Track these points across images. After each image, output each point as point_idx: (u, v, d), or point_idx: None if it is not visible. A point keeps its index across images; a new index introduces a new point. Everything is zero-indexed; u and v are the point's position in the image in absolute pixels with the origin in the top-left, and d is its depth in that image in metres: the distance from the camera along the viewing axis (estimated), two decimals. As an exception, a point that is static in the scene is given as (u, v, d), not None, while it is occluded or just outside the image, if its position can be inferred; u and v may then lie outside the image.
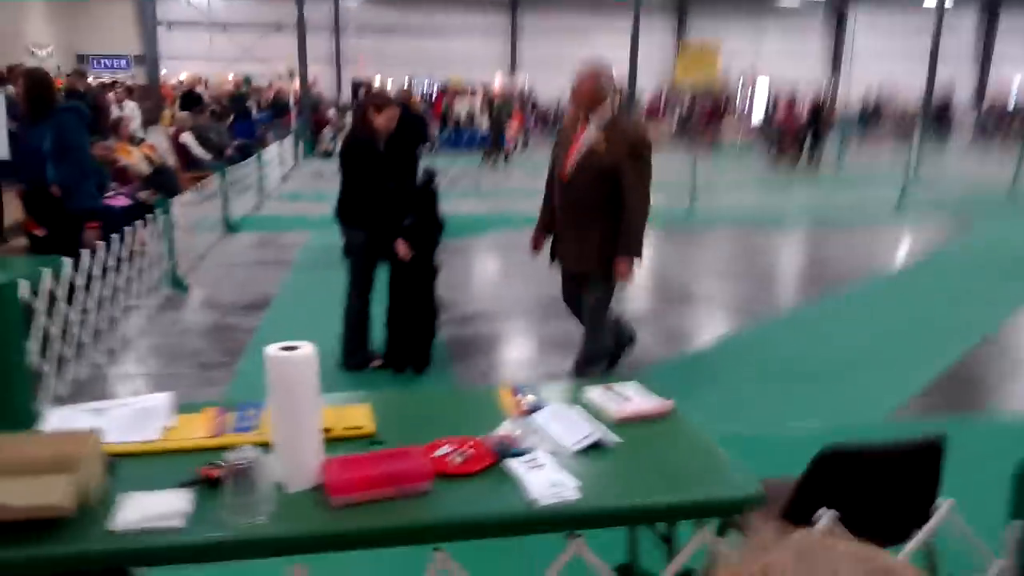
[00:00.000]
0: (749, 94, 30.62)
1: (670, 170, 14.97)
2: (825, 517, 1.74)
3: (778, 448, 3.75)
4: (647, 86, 28.34)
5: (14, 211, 7.02)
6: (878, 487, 2.02)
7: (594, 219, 3.91)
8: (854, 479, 1.99)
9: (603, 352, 4.23)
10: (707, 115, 22.49)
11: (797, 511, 1.93)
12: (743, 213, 11.13)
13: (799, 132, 16.99)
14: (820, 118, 17.27)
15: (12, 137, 5.36)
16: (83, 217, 5.62)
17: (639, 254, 3.91)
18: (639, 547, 2.40)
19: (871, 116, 23.39)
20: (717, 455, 1.93)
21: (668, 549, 1.94)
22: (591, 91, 3.83)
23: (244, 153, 12.09)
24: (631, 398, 2.25)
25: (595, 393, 2.29)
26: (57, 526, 1.58)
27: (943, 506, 1.89)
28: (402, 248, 4.53)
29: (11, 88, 8.96)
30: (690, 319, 6.16)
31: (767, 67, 30.73)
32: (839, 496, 1.93)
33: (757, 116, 25.24)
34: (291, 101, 18.94)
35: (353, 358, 4.75)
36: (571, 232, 4.03)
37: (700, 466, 1.89)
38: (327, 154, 17.91)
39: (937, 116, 20.33)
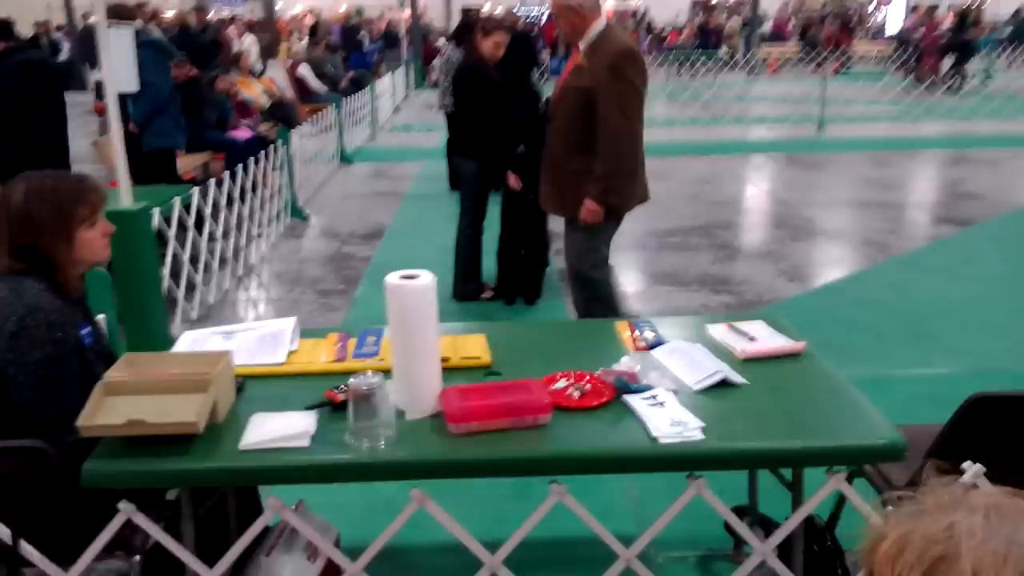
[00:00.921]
0: (885, 6, 28.47)
1: (797, 92, 14.29)
2: (970, 471, 1.60)
3: (912, 393, 3.55)
4: (772, 5, 26.80)
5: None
6: (1033, 439, 1.85)
7: (570, 156, 3.42)
8: (1006, 429, 1.83)
9: (602, 303, 3.62)
10: (837, 32, 21.00)
11: (942, 461, 1.79)
12: (876, 139, 10.44)
13: (941, 47, 15.60)
14: (965, 31, 15.78)
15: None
16: (156, 158, 5.67)
17: (601, 200, 3.34)
18: (758, 490, 2.32)
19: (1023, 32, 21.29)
20: (853, 399, 1.81)
21: (793, 495, 1.85)
22: (565, 22, 3.36)
23: (357, 85, 12.24)
24: (757, 336, 2.14)
25: (718, 330, 2.20)
26: (190, 442, 1.65)
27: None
28: (512, 179, 4.48)
29: (140, 23, 9.31)
30: (816, 253, 5.86)
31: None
32: (988, 448, 1.78)
33: (893, 30, 23.40)
34: (402, 31, 18.94)
35: (465, 287, 4.78)
36: (548, 171, 3.59)
37: (833, 410, 1.78)
38: (436, 85, 17.93)
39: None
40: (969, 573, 0.57)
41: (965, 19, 16.44)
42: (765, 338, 2.13)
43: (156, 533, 1.69)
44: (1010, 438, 1.87)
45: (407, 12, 18.89)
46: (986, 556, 0.57)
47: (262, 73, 10.68)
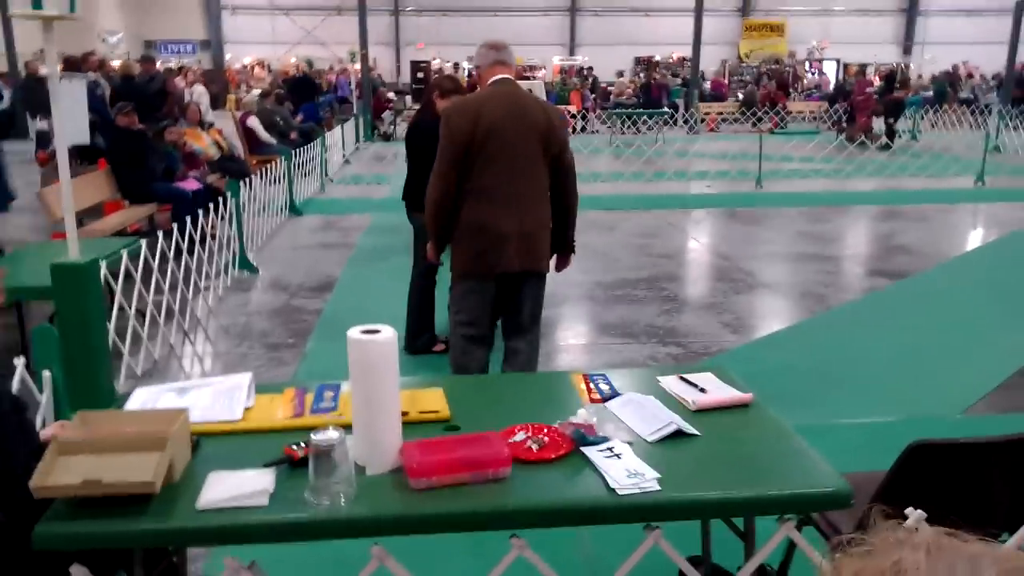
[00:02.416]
0: (817, 71, 29.87)
1: (735, 149, 14.80)
2: (913, 517, 1.68)
3: (849, 440, 3.66)
4: (711, 65, 27.86)
5: (98, 191, 7.26)
6: (968, 484, 1.95)
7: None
8: (944, 475, 1.92)
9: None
10: (773, 91, 21.91)
11: (884, 507, 1.87)
12: (811, 194, 10.85)
13: (871, 107, 16.40)
14: (893, 93, 16.62)
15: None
16: None
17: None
18: (712, 540, 2.36)
19: (945, 93, 22.52)
20: (800, 448, 1.88)
21: (746, 544, 1.90)
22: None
23: (307, 137, 12.27)
24: (707, 387, 2.21)
25: (670, 382, 2.26)
26: (146, 502, 1.63)
27: (1039, 507, 1.81)
28: (431, 253, 4.43)
29: (91, 75, 9.25)
30: (755, 305, 6.04)
31: (835, 47, 29.91)
32: (928, 492, 1.86)
33: (826, 92, 24.51)
34: (352, 84, 19.12)
35: (417, 341, 4.78)
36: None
37: (782, 458, 1.85)
38: (387, 137, 18.07)
39: (1017, 91, 19.41)
40: None
41: (892, 79, 17.34)
42: (714, 389, 2.20)
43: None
44: (948, 483, 1.96)
45: (357, 65, 19.10)
46: None
47: (211, 125, 10.64)
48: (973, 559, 0.64)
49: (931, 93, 22.81)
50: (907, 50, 31.15)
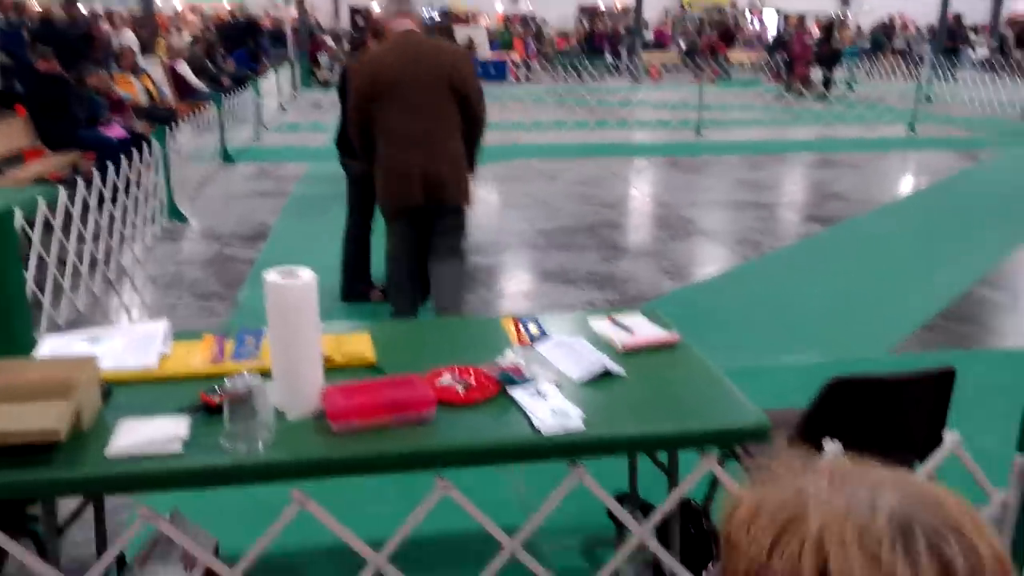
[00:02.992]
0: (758, 21, 29.99)
1: (676, 98, 14.83)
2: (829, 448, 1.72)
3: (780, 381, 3.75)
4: (653, 13, 27.72)
5: (16, 138, 6.91)
6: (885, 417, 2.00)
7: None
8: (862, 409, 1.97)
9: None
10: (715, 40, 21.94)
11: (804, 440, 1.91)
12: (750, 142, 10.97)
13: (809, 58, 16.57)
14: (831, 44, 16.82)
15: None
16: None
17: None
18: (639, 476, 2.40)
19: (881, 44, 22.88)
20: (722, 385, 1.90)
21: (669, 478, 1.93)
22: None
23: (240, 83, 11.86)
24: (636, 329, 2.21)
25: (599, 324, 2.26)
26: (52, 451, 1.57)
27: (949, 438, 1.87)
28: None
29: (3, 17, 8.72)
30: (692, 252, 6.10)
31: (775, -3, 30.00)
32: (845, 426, 1.91)
33: (766, 42, 24.67)
34: (288, 29, 18.49)
35: (353, 289, 4.72)
36: None
37: (705, 396, 1.87)
38: (325, 84, 17.58)
39: (949, 43, 19.82)
40: (815, 531, 0.61)
41: (831, 30, 17.51)
42: (643, 330, 2.21)
43: (14, 549, 1.59)
44: (865, 417, 2.01)
45: (293, 10, 18.46)
46: (830, 515, 0.62)
47: (143, 71, 10.18)
48: (875, 485, 0.64)
49: (868, 44, 23.14)
50: (845, 1, 31.43)
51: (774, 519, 0.64)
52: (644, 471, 2.32)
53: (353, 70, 3.71)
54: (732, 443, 1.89)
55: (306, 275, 1.77)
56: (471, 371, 1.94)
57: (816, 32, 19.62)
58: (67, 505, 2.01)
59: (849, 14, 30.17)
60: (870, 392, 2.00)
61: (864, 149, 10.62)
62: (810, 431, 1.92)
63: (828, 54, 16.65)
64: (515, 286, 5.34)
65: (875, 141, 11.29)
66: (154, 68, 11.17)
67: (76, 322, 4.38)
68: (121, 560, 2.10)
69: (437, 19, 22.58)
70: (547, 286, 5.21)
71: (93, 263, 4.79)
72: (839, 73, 17.54)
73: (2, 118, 7.19)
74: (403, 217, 3.71)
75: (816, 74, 16.73)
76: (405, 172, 3.57)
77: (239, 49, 14.82)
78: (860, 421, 1.99)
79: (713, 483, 2.18)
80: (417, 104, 3.53)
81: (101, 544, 2.14)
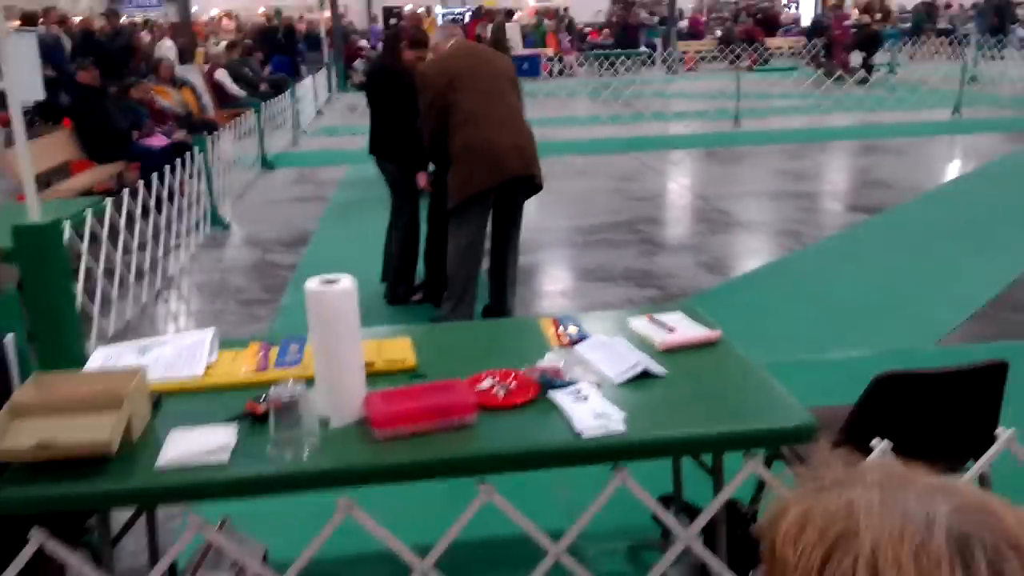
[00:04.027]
0: (795, 5, 29.44)
1: (713, 88, 14.64)
2: (879, 448, 1.68)
3: (825, 375, 3.68)
4: (688, 2, 27.39)
5: (63, 150, 7.09)
6: (935, 413, 1.96)
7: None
8: (910, 405, 1.93)
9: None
10: (751, 27, 21.57)
11: (851, 439, 1.88)
12: (790, 131, 10.78)
13: (849, 41, 16.22)
14: (870, 26, 16.43)
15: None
16: None
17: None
18: (683, 478, 2.38)
19: (923, 24, 22.29)
20: (766, 384, 1.88)
21: (714, 480, 1.91)
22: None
23: (277, 88, 12.01)
24: (676, 327, 2.19)
25: (638, 323, 2.24)
26: (104, 463, 1.60)
27: (1003, 435, 1.82)
28: (422, 180, 4.51)
29: (43, 29, 8.97)
30: (734, 244, 6.03)
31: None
32: (894, 423, 1.87)
33: (804, 27, 24.23)
34: (323, 32, 18.66)
35: (395, 292, 4.75)
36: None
37: (748, 395, 1.85)
38: (360, 86, 17.71)
39: (995, 21, 19.23)
40: (868, 549, 0.59)
41: (871, 11, 17.10)
42: (683, 328, 2.19)
43: (72, 560, 1.63)
44: (914, 414, 1.97)
45: (327, 13, 18.63)
46: (883, 532, 0.60)
47: (183, 83, 10.36)
48: (928, 497, 0.62)
49: (909, 25, 22.57)
50: (886, -19, 30.69)
51: (824, 535, 0.63)
52: (688, 472, 2.30)
53: (420, 73, 3.95)
54: (778, 444, 1.87)
55: (346, 281, 1.79)
56: (512, 374, 1.94)
57: (855, 15, 19.19)
58: (120, 515, 2.06)
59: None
60: (918, 387, 1.96)
61: (908, 134, 10.37)
62: (858, 430, 1.89)
63: (868, 37, 16.28)
64: (553, 285, 5.33)
65: (919, 126, 11.01)
66: (193, 76, 11.38)
67: (125, 332, 4.48)
68: (173, 569, 2.14)
69: (470, 17, 22.64)
70: (586, 284, 5.19)
71: (140, 273, 4.90)
72: (880, 56, 17.14)
73: (49, 131, 7.38)
74: (488, 197, 3.87)
75: (856, 58, 16.37)
76: (498, 147, 3.78)
77: (276, 55, 15.01)
78: (909, 418, 1.94)
79: (760, 485, 2.16)
80: (495, 91, 3.89)
81: (153, 554, 2.19)
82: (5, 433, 1.62)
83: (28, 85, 3.87)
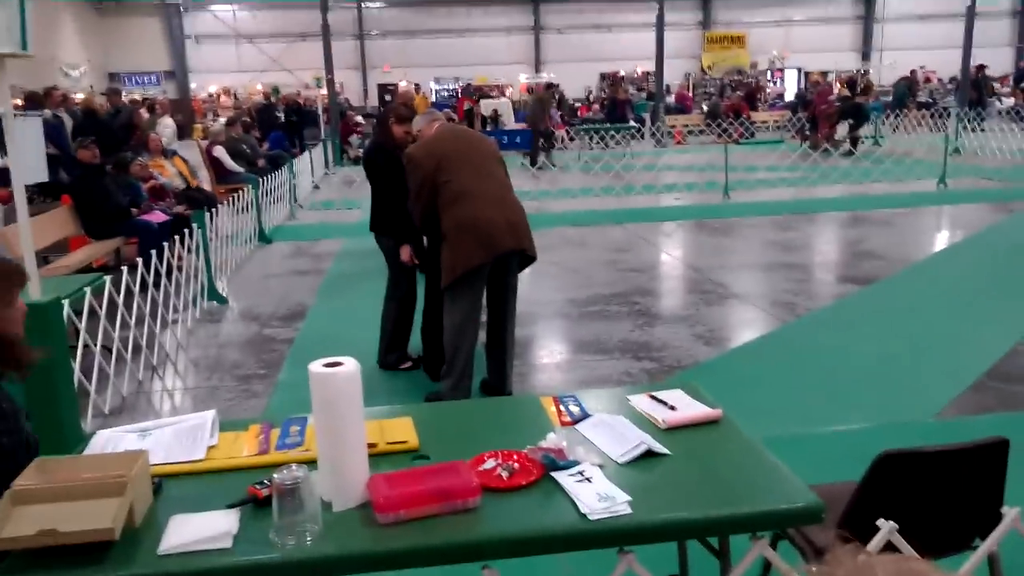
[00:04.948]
0: (779, 80, 30.32)
1: (702, 160, 14.94)
2: (884, 529, 1.68)
3: (825, 449, 3.67)
4: (675, 78, 28.18)
5: (62, 227, 7.15)
6: (939, 492, 1.95)
7: None
8: (914, 484, 1.93)
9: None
10: (737, 103, 22.16)
11: (856, 520, 1.87)
12: (778, 202, 10.97)
13: (833, 115, 16.66)
14: (854, 100, 16.89)
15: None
16: None
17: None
18: (689, 559, 2.35)
19: (904, 97, 22.96)
20: (771, 463, 1.88)
21: (721, 563, 1.89)
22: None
23: (275, 163, 12.21)
24: (676, 404, 2.20)
25: (639, 401, 2.25)
26: (106, 550, 1.59)
27: (1009, 513, 1.81)
28: (405, 254, 4.56)
29: (48, 112, 9.16)
30: (729, 316, 6.07)
31: (796, 55, 30.39)
32: (898, 503, 1.87)
33: (788, 101, 24.88)
34: (319, 109, 19.08)
35: (386, 359, 4.81)
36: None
37: (753, 475, 1.84)
38: (356, 161, 18.03)
39: (974, 94, 19.81)
40: None
41: (853, 86, 17.61)
42: (684, 406, 2.19)
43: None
44: (918, 492, 1.97)
45: (323, 90, 19.07)
46: None
47: (174, 153, 10.55)
48: None
49: (891, 98, 23.22)
50: (865, 55, 31.73)
51: None
52: (694, 553, 2.27)
53: (408, 156, 4.05)
54: (784, 525, 1.86)
55: (350, 365, 1.80)
56: (514, 455, 1.94)
57: (838, 89, 19.75)
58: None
59: (871, 69, 30.43)
60: (921, 466, 1.96)
61: (895, 205, 10.57)
62: (862, 510, 1.88)
63: (852, 109, 16.73)
64: (549, 358, 5.34)
65: (906, 197, 11.24)
66: (191, 152, 11.56)
67: (121, 410, 4.45)
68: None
69: (460, 94, 23.18)
70: (582, 357, 5.20)
71: (136, 349, 4.89)
72: (865, 129, 17.57)
73: (49, 208, 7.46)
74: (482, 273, 3.93)
75: (841, 131, 16.78)
76: (489, 223, 3.86)
77: (274, 131, 15.30)
78: (913, 497, 1.94)
79: (766, 565, 2.13)
80: (483, 169, 4.01)
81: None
82: (7, 520, 1.60)
83: (33, 168, 3.94)
